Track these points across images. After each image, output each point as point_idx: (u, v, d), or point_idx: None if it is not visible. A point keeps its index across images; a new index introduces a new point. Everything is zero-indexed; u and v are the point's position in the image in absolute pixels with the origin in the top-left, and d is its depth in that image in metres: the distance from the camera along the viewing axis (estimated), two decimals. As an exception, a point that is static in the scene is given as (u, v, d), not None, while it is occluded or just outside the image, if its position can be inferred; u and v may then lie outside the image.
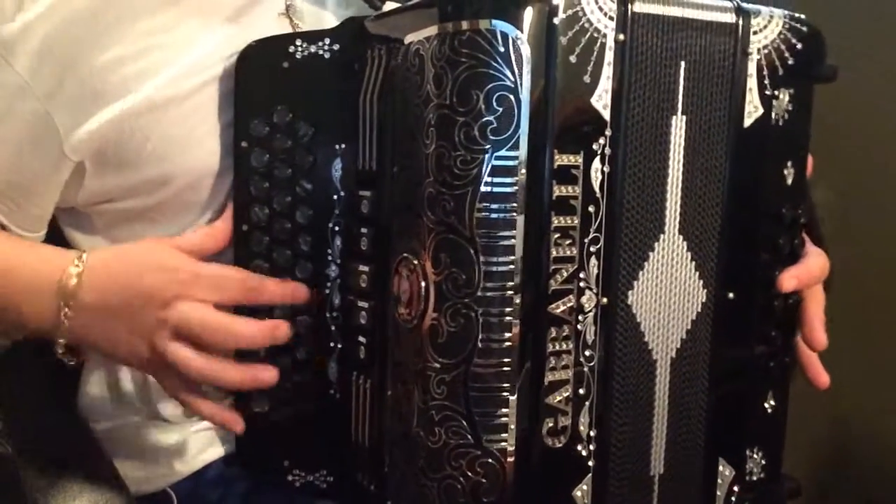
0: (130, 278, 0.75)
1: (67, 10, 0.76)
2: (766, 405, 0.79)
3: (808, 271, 0.79)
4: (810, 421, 1.22)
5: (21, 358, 1.08)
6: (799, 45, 0.75)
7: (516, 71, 0.65)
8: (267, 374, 0.76)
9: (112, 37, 0.77)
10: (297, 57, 0.78)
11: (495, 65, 0.65)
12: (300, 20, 0.87)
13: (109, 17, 0.77)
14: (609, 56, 0.68)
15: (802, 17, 0.75)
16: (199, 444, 0.86)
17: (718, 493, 0.76)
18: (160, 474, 0.86)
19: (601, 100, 0.68)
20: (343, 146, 0.78)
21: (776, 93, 0.75)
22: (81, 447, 0.87)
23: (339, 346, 0.80)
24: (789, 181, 0.77)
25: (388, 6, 0.89)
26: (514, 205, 0.66)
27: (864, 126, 1.47)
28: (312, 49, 0.78)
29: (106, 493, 0.80)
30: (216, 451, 0.86)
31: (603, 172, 0.68)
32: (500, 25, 0.65)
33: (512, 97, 0.65)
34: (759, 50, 0.73)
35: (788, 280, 0.77)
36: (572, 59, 0.67)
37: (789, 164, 0.77)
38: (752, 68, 0.73)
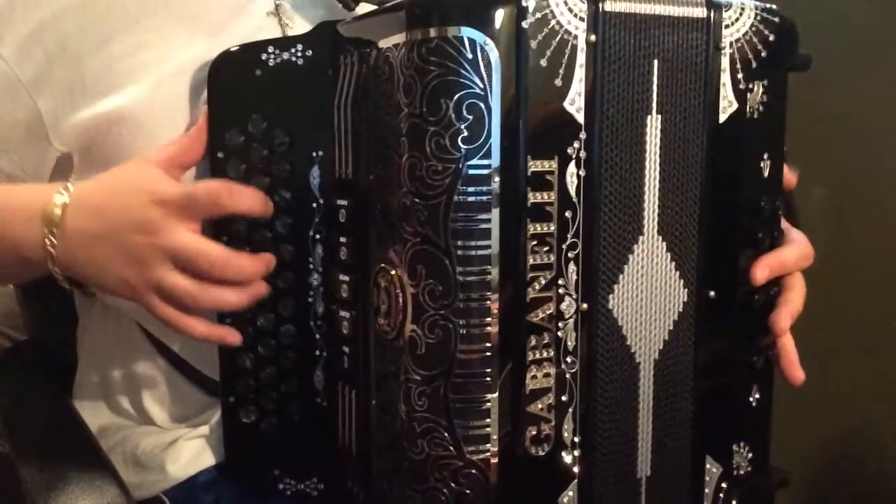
0: (115, 204, 0.74)
1: (60, 2, 0.77)
2: (751, 398, 0.79)
3: (778, 260, 0.78)
4: (808, 415, 1.22)
5: (21, 358, 1.09)
6: (772, 37, 0.74)
7: (486, 78, 0.64)
8: (262, 288, 0.75)
9: (102, 33, 0.78)
10: (270, 64, 0.77)
11: (464, 72, 0.64)
12: (289, 20, 0.87)
13: (101, 13, 0.78)
14: (581, 58, 0.67)
15: (774, 7, 0.74)
16: (191, 450, 0.87)
17: (706, 490, 0.76)
18: (153, 480, 0.87)
19: (574, 103, 0.67)
20: (320, 154, 0.78)
21: (750, 86, 0.73)
22: (82, 448, 0.86)
23: (325, 354, 0.80)
24: (766, 173, 0.76)
25: (363, 7, 0.88)
26: (489, 214, 0.65)
27: (859, 123, 1.45)
28: (285, 56, 0.77)
29: (107, 496, 0.80)
30: (208, 459, 0.86)
31: (579, 177, 0.68)
32: (468, 32, 0.64)
33: (482, 105, 0.64)
34: (731, 44, 0.72)
35: (761, 270, 0.76)
36: (543, 62, 0.66)
37: (766, 156, 0.76)
38: (725, 63, 0.72)
